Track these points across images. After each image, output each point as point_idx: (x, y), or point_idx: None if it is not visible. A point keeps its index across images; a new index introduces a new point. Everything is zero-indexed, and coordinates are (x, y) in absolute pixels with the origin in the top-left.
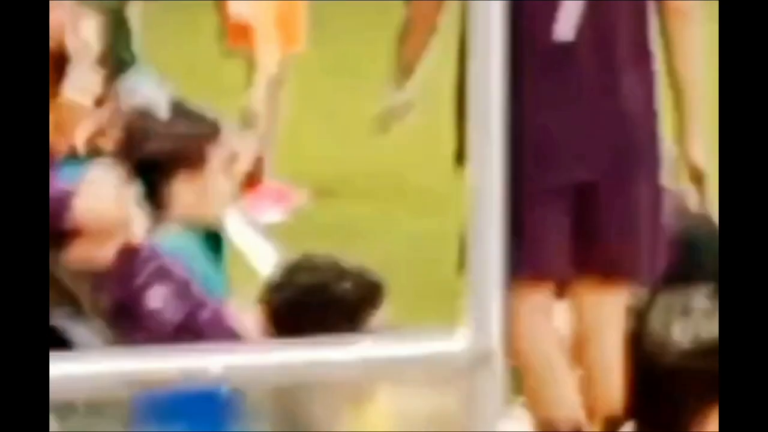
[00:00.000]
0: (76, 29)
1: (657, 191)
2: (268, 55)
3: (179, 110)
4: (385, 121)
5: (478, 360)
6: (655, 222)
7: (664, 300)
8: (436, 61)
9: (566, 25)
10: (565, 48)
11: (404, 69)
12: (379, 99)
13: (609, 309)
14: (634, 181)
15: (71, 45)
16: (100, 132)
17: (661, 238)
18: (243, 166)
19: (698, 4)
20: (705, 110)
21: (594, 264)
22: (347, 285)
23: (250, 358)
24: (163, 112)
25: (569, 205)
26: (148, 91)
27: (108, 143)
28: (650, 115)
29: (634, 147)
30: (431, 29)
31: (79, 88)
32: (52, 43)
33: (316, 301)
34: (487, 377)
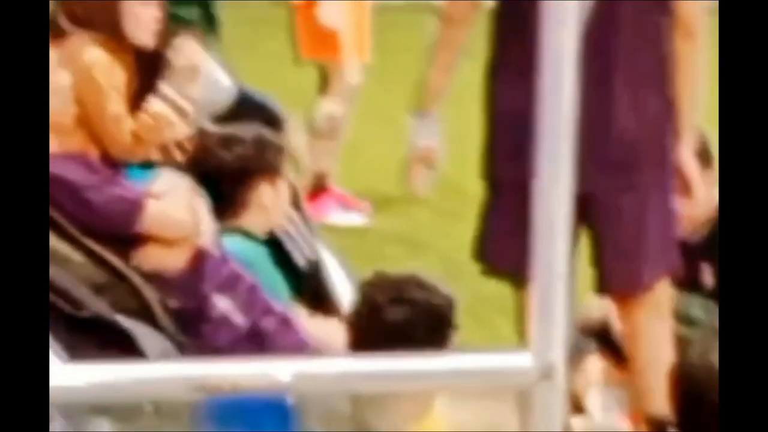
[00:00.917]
0: (180, 47)
1: (665, 204)
2: (353, 65)
3: (245, 100)
4: (411, 163)
5: (542, 375)
6: (665, 235)
7: (704, 329)
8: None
9: None
10: None
11: (430, 96)
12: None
13: (638, 320)
14: (631, 195)
15: (174, 60)
16: (178, 144)
17: (670, 249)
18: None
19: (704, 24)
20: (699, 122)
21: (606, 282)
22: (440, 301)
23: (319, 367)
24: (229, 91)
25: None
26: (217, 73)
27: (183, 154)
28: (659, 130)
29: (638, 162)
30: (456, 54)
31: (167, 102)
32: (151, 50)
33: (426, 320)
34: (549, 392)
